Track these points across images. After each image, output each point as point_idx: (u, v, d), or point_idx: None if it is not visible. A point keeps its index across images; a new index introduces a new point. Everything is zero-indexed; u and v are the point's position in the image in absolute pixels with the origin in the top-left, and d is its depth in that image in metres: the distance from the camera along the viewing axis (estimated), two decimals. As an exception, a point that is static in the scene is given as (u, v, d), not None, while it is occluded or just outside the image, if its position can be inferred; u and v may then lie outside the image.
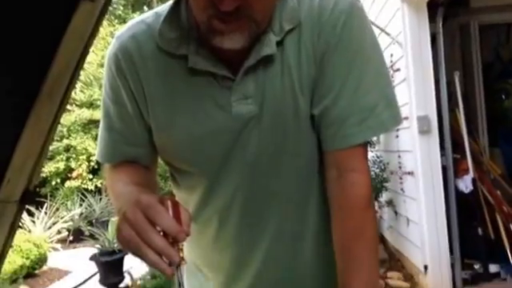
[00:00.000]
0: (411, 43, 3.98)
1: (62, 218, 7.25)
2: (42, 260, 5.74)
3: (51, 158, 8.20)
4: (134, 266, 4.42)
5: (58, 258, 6.21)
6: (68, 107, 8.45)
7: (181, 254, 0.72)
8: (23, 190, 0.79)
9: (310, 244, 1.02)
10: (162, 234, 0.71)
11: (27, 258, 5.40)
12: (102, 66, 8.23)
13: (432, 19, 3.95)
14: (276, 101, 0.91)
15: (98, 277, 4.31)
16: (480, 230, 4.10)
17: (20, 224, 5.52)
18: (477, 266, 4.05)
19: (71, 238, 7.33)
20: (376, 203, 4.94)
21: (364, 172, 0.94)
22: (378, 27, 4.51)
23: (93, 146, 7.90)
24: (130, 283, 4.69)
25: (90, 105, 8.75)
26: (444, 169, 3.98)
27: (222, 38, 0.81)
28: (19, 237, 5.58)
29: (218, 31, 0.81)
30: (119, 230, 0.74)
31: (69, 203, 7.75)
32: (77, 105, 8.80)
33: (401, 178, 4.68)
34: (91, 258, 4.30)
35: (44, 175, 8.02)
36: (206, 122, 0.92)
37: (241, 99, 0.91)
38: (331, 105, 0.91)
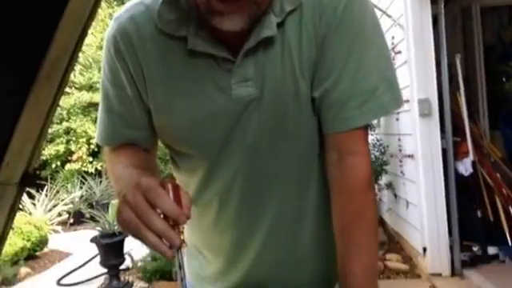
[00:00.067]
0: (413, 25, 3.95)
1: (62, 200, 7.27)
2: (42, 242, 5.77)
3: (51, 141, 8.19)
4: (135, 248, 4.45)
5: (58, 240, 6.24)
6: (67, 90, 8.42)
7: (181, 237, 0.72)
8: (22, 173, 0.78)
9: (310, 226, 1.03)
10: (162, 216, 0.71)
11: (28, 240, 5.43)
12: (101, 48, 8.17)
13: (434, 1, 3.92)
14: (276, 83, 0.91)
15: (98, 259, 4.33)
16: (479, 213, 4.12)
17: (20, 206, 5.55)
18: (475, 248, 4.08)
19: (72, 220, 7.36)
20: (375, 186, 4.95)
21: (364, 155, 0.94)
22: (379, 9, 4.47)
23: (92, 129, 7.88)
24: (130, 265, 4.73)
25: (90, 88, 8.72)
26: (444, 152, 3.98)
27: (222, 18, 0.81)
28: (20, 219, 5.61)
29: (218, 12, 0.80)
30: (119, 212, 0.74)
31: (69, 186, 7.77)
32: (76, 88, 8.77)
33: (401, 161, 4.68)
34: (92, 240, 4.31)
35: (44, 158, 8.03)
36: (205, 104, 0.92)
37: (241, 82, 0.90)
38: (332, 88, 0.90)
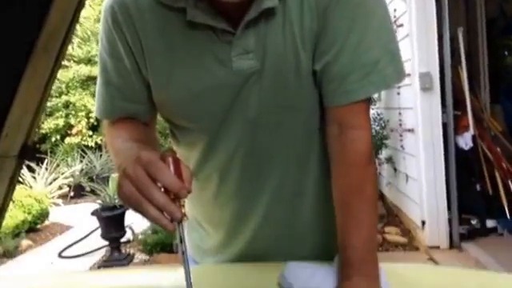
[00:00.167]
0: (415, -3, 3.91)
1: (62, 174, 7.29)
2: (43, 215, 5.81)
3: (50, 115, 8.18)
4: (136, 222, 4.48)
5: (59, 213, 6.28)
6: (66, 63, 8.36)
7: (182, 210, 0.72)
8: (21, 145, 0.78)
9: (311, 200, 1.03)
10: (162, 190, 0.70)
11: (29, 213, 5.47)
12: (99, 20, 8.08)
13: (437, -27, 3.86)
14: (277, 55, 0.89)
15: (99, 231, 4.37)
16: (478, 186, 4.15)
17: (21, 180, 5.58)
18: (474, 222, 4.11)
19: (72, 193, 7.40)
20: (375, 160, 4.96)
21: (365, 128, 0.93)
22: (381, -19, 4.39)
23: (92, 103, 7.85)
24: (131, 238, 4.77)
25: (88, 61, 8.65)
26: (444, 126, 3.98)
27: (222, -11, 0.79)
28: (20, 192, 5.63)
29: (217, -18, 0.78)
30: (120, 186, 0.74)
31: (69, 159, 7.78)
32: (74, 61, 8.70)
33: (401, 136, 4.68)
34: (93, 213, 4.34)
35: (43, 132, 8.02)
36: (205, 77, 0.91)
37: (241, 54, 0.89)
38: (333, 61, 0.89)
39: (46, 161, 7.28)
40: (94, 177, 7.14)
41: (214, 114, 0.94)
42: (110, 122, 1.03)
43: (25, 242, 5.13)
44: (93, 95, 7.43)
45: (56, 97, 8.20)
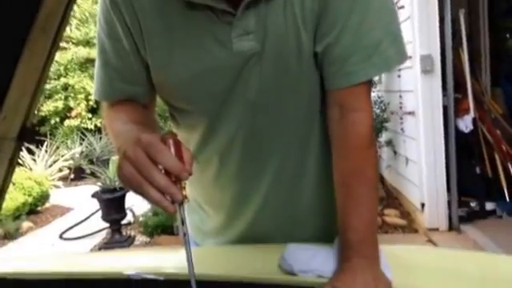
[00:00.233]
0: (416, -22, 3.86)
1: (62, 156, 7.30)
2: (44, 197, 5.82)
3: (49, 97, 8.16)
4: (136, 204, 4.50)
5: (59, 196, 6.30)
6: (64, 45, 8.31)
7: (183, 192, 0.71)
8: (20, 127, 0.78)
9: (311, 182, 1.03)
10: (163, 172, 0.70)
11: (29, 195, 5.48)
12: (97, 2, 8.01)
13: (438, -47, 3.81)
14: (278, 37, 0.88)
15: (100, 213, 4.39)
16: (478, 169, 4.15)
17: (21, 162, 5.57)
18: (473, 204, 4.13)
19: (72, 176, 7.41)
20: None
21: (366, 111, 0.93)
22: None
23: (91, 85, 7.82)
24: (132, 220, 4.80)
25: (87, 43, 8.60)
26: (445, 109, 3.97)
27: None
28: (20, 174, 5.65)
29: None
30: (120, 168, 0.73)
31: (69, 142, 7.79)
32: (73, 43, 8.65)
33: (401, 118, 4.68)
34: (93, 196, 4.35)
35: (43, 114, 8.02)
36: (205, 58, 0.90)
37: (242, 35, 0.88)
38: (334, 42, 0.88)
39: (45, 143, 7.29)
40: (94, 159, 7.14)
41: (213, 96, 0.94)
42: (109, 104, 1.02)
43: (26, 224, 5.16)
44: (92, 77, 7.41)
45: (55, 79, 8.17)
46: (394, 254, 0.97)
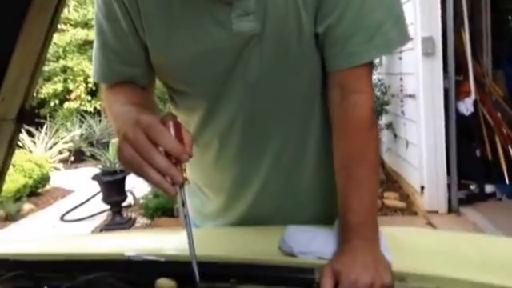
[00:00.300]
0: (418, -41, 3.82)
1: (62, 138, 7.31)
2: (44, 179, 5.84)
3: (48, 79, 8.13)
4: (137, 186, 4.51)
5: (60, 178, 6.32)
6: (62, 27, 8.26)
7: (184, 174, 0.71)
8: (19, 109, 0.77)
9: (312, 165, 1.02)
10: (163, 154, 0.70)
11: (30, 178, 5.50)
12: (96, -17, 7.93)
13: None
14: (278, 18, 0.87)
15: (100, 196, 4.41)
16: (478, 152, 4.15)
17: (21, 144, 5.57)
18: (473, 187, 4.14)
19: (72, 158, 7.43)
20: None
21: (367, 93, 0.92)
22: None
23: (89, 67, 7.75)
24: (132, 202, 4.81)
25: (85, 25, 8.54)
26: (446, 91, 3.95)
27: None
28: (20, 156, 5.66)
29: None
30: (120, 150, 0.73)
31: (68, 124, 7.78)
32: (71, 24, 8.58)
33: (402, 101, 4.66)
34: (93, 178, 4.36)
35: (42, 96, 8.00)
36: (204, 39, 0.89)
37: (241, 15, 0.87)
38: (335, 23, 0.87)
39: (45, 126, 7.28)
40: (94, 142, 7.15)
41: (213, 78, 0.93)
42: (108, 86, 1.01)
43: (27, 206, 5.18)
44: (90, 60, 7.35)
45: (53, 61, 8.13)
46: (394, 236, 0.97)
